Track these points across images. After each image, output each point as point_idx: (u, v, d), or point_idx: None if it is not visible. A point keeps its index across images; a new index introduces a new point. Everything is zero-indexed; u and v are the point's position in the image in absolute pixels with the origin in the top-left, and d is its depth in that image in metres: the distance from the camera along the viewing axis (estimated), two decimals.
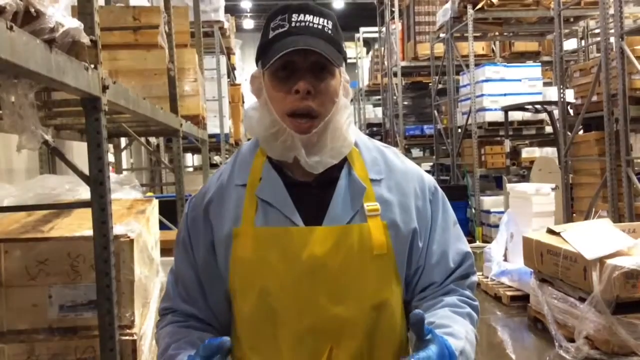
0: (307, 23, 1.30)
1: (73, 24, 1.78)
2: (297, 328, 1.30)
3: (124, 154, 7.75)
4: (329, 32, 1.31)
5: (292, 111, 1.28)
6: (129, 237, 2.41)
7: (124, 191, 3.67)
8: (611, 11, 6.34)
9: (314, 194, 1.35)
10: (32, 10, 1.53)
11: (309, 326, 1.30)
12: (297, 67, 1.28)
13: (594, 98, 6.83)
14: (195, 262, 1.39)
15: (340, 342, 1.31)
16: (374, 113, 19.04)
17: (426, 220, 1.40)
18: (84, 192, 2.85)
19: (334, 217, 1.32)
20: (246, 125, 1.39)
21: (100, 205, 2.24)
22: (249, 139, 1.54)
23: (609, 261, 4.27)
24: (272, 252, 1.30)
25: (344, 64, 1.37)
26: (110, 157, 7.32)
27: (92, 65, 2.12)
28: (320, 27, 1.30)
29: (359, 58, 19.97)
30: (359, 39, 19.80)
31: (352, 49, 21.74)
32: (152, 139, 9.28)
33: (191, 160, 14.90)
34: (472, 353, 1.30)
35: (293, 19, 1.30)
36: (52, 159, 4.57)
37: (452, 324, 1.30)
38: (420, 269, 1.40)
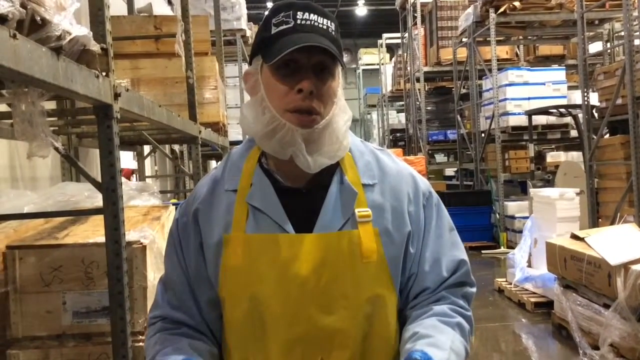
0: (312, 22, 1.27)
1: (81, 32, 1.80)
2: (287, 338, 1.27)
3: (148, 162, 7.83)
4: (333, 33, 1.29)
5: (294, 109, 1.25)
6: (141, 244, 2.42)
7: (143, 198, 3.70)
8: (635, 13, 6.23)
9: (305, 200, 1.31)
10: (38, 18, 1.55)
11: (298, 336, 1.26)
12: (300, 65, 1.26)
13: (619, 101, 6.70)
14: (186, 268, 1.36)
15: (331, 353, 1.27)
16: (397, 119, 18.96)
17: (419, 226, 1.35)
18: None
19: (325, 224, 1.28)
20: (242, 124, 1.36)
21: (112, 212, 2.25)
22: None
23: (633, 267, 4.17)
24: (262, 260, 1.27)
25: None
26: (134, 165, 7.39)
27: (104, 73, 2.13)
28: (325, 27, 1.28)
29: (382, 64, 19.91)
30: (381, 45, 19.77)
31: (375, 55, 21.69)
32: (176, 147, 9.36)
33: (215, 167, 15.02)
34: None
35: (298, 17, 1.27)
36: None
37: (436, 334, 1.25)
38: (413, 276, 1.35)
